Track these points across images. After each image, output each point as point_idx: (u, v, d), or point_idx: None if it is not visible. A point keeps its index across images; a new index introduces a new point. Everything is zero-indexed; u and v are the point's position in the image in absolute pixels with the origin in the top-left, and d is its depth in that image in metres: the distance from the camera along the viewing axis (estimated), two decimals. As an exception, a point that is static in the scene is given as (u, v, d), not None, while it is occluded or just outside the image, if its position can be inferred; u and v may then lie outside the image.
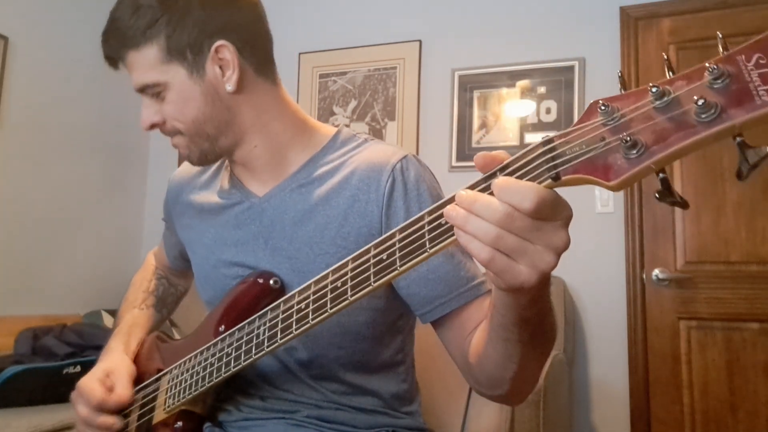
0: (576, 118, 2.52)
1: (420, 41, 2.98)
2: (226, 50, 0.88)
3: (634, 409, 2.46)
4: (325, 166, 0.94)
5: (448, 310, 0.84)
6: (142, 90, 0.90)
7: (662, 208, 2.52)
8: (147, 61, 0.87)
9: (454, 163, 2.81)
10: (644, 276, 2.50)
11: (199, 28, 0.87)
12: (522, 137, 2.73)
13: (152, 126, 0.92)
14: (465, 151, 2.81)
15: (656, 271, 2.48)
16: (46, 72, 2.84)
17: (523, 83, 2.77)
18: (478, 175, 0.57)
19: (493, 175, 0.55)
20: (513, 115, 2.77)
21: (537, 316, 0.64)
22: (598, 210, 2.58)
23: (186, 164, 1.14)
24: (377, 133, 2.99)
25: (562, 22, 2.75)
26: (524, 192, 0.50)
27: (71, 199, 2.96)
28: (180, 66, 0.87)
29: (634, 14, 2.64)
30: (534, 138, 2.70)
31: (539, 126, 2.71)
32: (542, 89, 2.73)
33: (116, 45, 0.90)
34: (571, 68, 2.68)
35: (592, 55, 2.68)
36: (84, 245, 3.01)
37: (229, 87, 0.89)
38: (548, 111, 2.71)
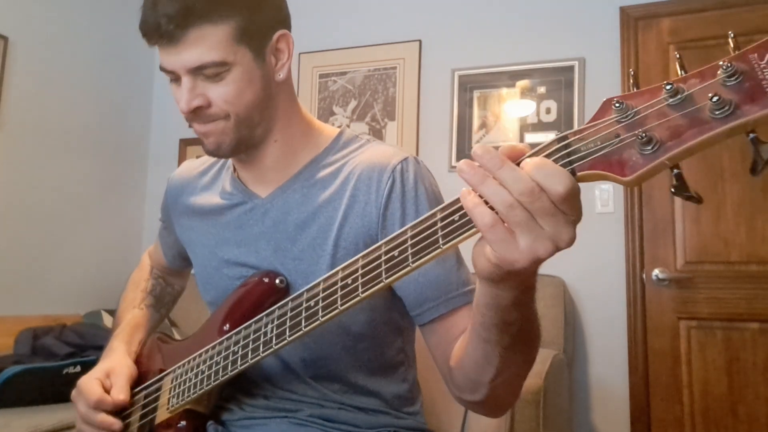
0: (576, 118, 2.51)
1: (420, 41, 2.98)
2: (285, 40, 0.90)
3: (634, 409, 2.46)
4: (327, 168, 0.94)
5: (436, 315, 0.84)
6: (198, 68, 0.83)
7: (662, 208, 2.52)
8: (218, 37, 0.82)
9: (453, 163, 2.81)
10: (644, 276, 2.50)
11: (272, 15, 0.89)
12: (522, 137, 2.73)
13: (195, 110, 0.85)
14: (465, 151, 2.81)
15: (656, 271, 2.48)
16: (46, 72, 2.84)
17: (523, 83, 2.77)
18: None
19: None
20: (513, 115, 2.77)
21: (519, 322, 0.64)
22: (598, 210, 2.58)
23: (186, 165, 1.14)
24: (377, 133, 2.99)
25: (562, 22, 2.75)
26: (560, 176, 0.50)
27: (71, 199, 2.96)
28: (248, 49, 0.85)
29: (634, 14, 2.64)
30: (534, 138, 2.71)
31: (539, 126, 2.71)
32: (542, 89, 2.73)
33: (185, 15, 0.80)
34: (571, 68, 2.68)
35: (592, 55, 2.68)
36: (84, 245, 3.01)
37: (281, 75, 0.91)
38: (548, 111, 2.71)
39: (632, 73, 0.53)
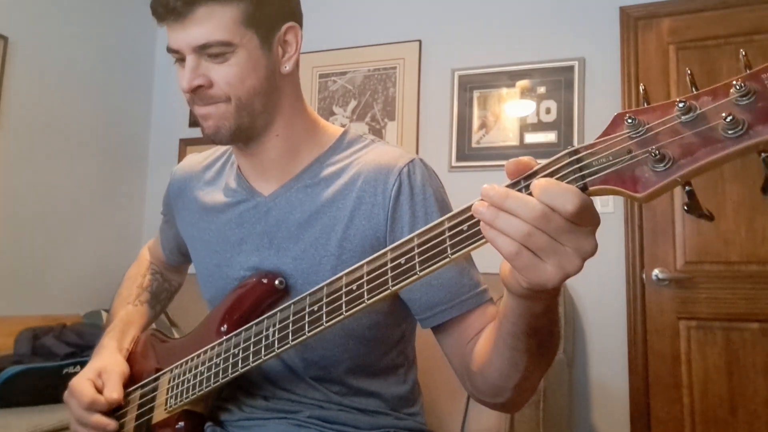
0: (576, 118, 2.50)
1: (420, 41, 2.98)
2: (293, 32, 0.91)
3: (634, 409, 2.46)
4: (331, 167, 0.93)
5: (449, 317, 0.84)
6: (203, 47, 0.84)
7: (662, 208, 2.52)
8: (225, 18, 0.83)
9: (453, 163, 2.81)
10: (644, 276, 2.50)
11: (282, 5, 0.90)
12: (522, 137, 2.73)
13: (195, 89, 0.86)
14: (465, 151, 2.81)
15: (656, 271, 2.48)
16: (46, 72, 2.84)
17: (522, 83, 2.77)
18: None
19: (517, 183, 0.56)
20: (513, 115, 2.77)
21: (546, 326, 0.65)
22: (598, 210, 2.57)
23: (190, 159, 1.13)
24: (377, 133, 2.99)
25: (562, 22, 2.75)
26: (567, 195, 0.51)
27: (71, 199, 2.95)
28: (255, 34, 0.86)
29: (634, 14, 2.64)
30: (534, 138, 2.70)
31: (539, 126, 2.71)
32: (542, 89, 2.73)
33: None
34: (570, 68, 2.68)
35: (592, 55, 2.68)
36: (84, 245, 3.00)
37: (288, 68, 0.91)
38: (548, 111, 2.70)
39: (643, 88, 0.53)
